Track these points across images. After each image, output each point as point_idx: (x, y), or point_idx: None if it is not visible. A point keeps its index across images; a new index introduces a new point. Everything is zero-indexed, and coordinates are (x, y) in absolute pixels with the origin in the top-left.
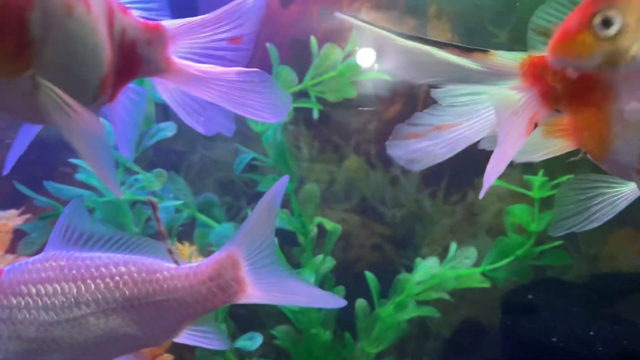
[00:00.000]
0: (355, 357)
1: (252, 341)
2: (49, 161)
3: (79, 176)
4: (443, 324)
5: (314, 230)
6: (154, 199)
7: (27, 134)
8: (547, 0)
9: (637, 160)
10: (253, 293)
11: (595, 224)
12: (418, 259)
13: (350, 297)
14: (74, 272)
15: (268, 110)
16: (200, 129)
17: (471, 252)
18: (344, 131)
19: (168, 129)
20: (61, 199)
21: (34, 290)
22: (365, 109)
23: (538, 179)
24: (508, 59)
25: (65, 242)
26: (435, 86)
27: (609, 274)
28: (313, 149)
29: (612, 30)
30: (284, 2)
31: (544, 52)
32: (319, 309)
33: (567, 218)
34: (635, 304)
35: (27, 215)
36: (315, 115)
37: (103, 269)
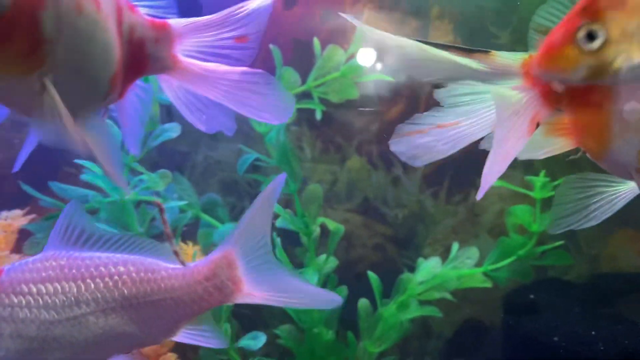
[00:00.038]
0: (358, 357)
1: (256, 340)
2: (54, 162)
3: (84, 177)
4: (445, 323)
5: (316, 230)
6: (160, 201)
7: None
8: (548, 0)
9: (636, 159)
10: (249, 292)
11: (593, 222)
12: (420, 259)
13: (352, 297)
14: (74, 271)
15: (271, 111)
16: (201, 126)
17: (473, 252)
18: (347, 132)
19: (172, 130)
20: (66, 200)
21: (34, 289)
22: (368, 109)
23: (539, 179)
24: (509, 59)
25: (64, 242)
26: (438, 86)
27: (610, 274)
28: (315, 150)
29: (596, 44)
30: (286, 4)
31: None
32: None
33: (566, 216)
34: (636, 304)
35: (32, 216)
36: (318, 116)
37: (102, 269)
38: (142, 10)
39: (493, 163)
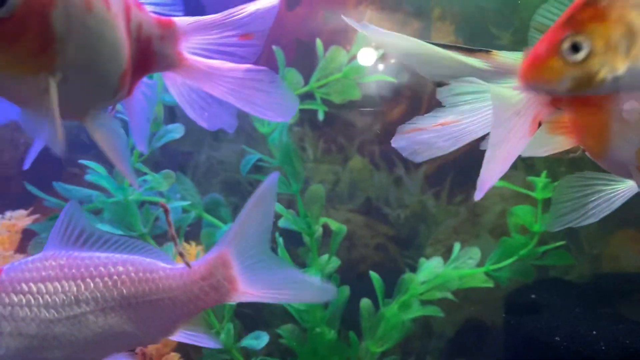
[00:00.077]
0: (360, 356)
1: (258, 340)
2: (57, 162)
3: (88, 177)
4: (447, 323)
5: (319, 230)
6: (165, 202)
7: None
8: (548, 0)
9: (635, 158)
10: (245, 291)
11: (592, 220)
12: (422, 259)
13: (354, 297)
14: (73, 271)
15: (275, 109)
16: (203, 123)
17: (475, 252)
18: (349, 132)
19: (176, 131)
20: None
21: (34, 288)
22: (370, 109)
23: (541, 180)
24: (510, 58)
25: (64, 242)
26: (441, 84)
27: (611, 274)
28: (318, 150)
29: (581, 55)
30: (289, 5)
31: None
32: (324, 308)
33: (565, 214)
34: (637, 304)
35: (36, 216)
36: (321, 116)
37: (102, 268)
38: (149, 8)
39: (494, 163)
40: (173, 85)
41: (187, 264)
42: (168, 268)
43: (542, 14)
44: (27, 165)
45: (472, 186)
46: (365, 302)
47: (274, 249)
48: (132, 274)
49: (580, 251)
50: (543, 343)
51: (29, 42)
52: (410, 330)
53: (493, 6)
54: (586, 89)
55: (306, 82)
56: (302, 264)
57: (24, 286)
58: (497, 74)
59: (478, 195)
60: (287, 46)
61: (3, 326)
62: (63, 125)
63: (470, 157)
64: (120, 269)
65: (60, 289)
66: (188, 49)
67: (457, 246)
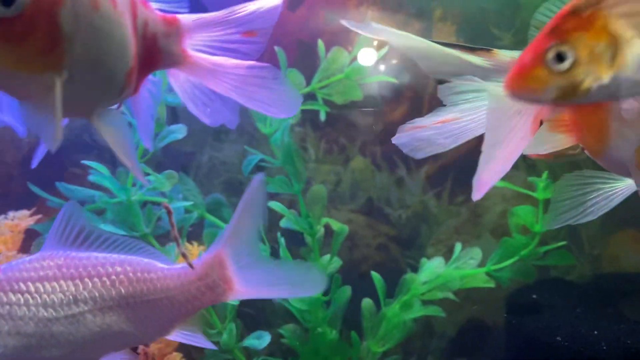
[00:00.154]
0: (362, 356)
1: (260, 340)
2: (60, 162)
3: (91, 178)
4: (448, 323)
5: (320, 230)
6: (167, 203)
7: None
8: None
9: (633, 156)
10: (240, 290)
11: (590, 217)
12: (423, 259)
13: (356, 297)
14: (71, 270)
15: (278, 105)
16: (206, 119)
17: (476, 253)
18: (350, 133)
19: (179, 131)
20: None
21: (32, 288)
22: (371, 109)
23: (542, 180)
24: (511, 57)
25: (62, 242)
26: (442, 82)
27: (612, 274)
28: (319, 150)
29: (565, 65)
30: (291, 6)
31: None
32: (326, 308)
33: (564, 212)
34: (638, 304)
35: (39, 216)
36: (322, 117)
37: (100, 268)
38: (154, 6)
39: (495, 163)
40: (176, 82)
41: (190, 265)
42: (166, 268)
43: (543, 12)
44: (34, 164)
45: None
46: (366, 302)
47: (276, 249)
48: (130, 274)
49: (581, 251)
50: (544, 343)
51: (37, 41)
52: (411, 330)
53: (494, 7)
54: (571, 98)
55: (308, 83)
56: None
57: (22, 285)
58: (498, 72)
59: (476, 196)
60: (289, 47)
61: (1, 325)
62: (63, 124)
63: (472, 157)
64: (118, 269)
65: (58, 289)
66: (192, 46)
67: (458, 246)
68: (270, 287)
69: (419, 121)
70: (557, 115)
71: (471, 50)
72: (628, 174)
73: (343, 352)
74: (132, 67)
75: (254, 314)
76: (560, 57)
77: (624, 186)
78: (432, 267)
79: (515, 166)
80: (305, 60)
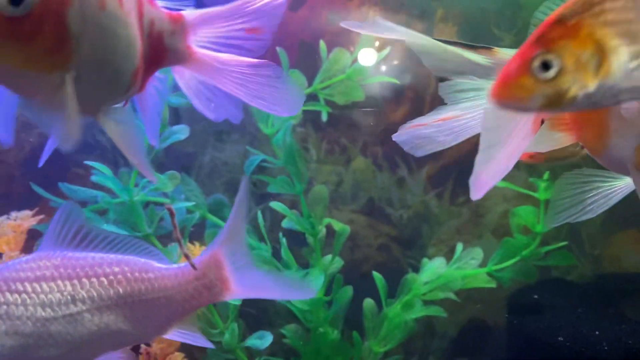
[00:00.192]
0: (363, 356)
1: (262, 340)
2: (62, 163)
3: (93, 178)
4: (449, 323)
5: (322, 231)
6: (170, 203)
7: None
8: None
9: (632, 155)
10: (237, 290)
11: (589, 216)
12: (425, 259)
13: (357, 297)
14: (69, 270)
15: (282, 104)
16: (211, 115)
17: (477, 253)
18: (352, 133)
19: (181, 132)
20: (75, 200)
21: (29, 288)
22: (373, 110)
23: (543, 181)
24: (512, 55)
25: (59, 242)
26: (443, 79)
27: (613, 274)
28: (321, 151)
29: (551, 73)
30: (293, 6)
31: None
32: (327, 308)
33: (563, 210)
34: (639, 304)
35: (42, 216)
36: (324, 117)
37: (97, 268)
38: (160, 3)
39: (497, 162)
40: (181, 78)
41: (193, 266)
42: (163, 268)
43: (543, 11)
44: (41, 163)
45: None
46: (368, 302)
47: (278, 250)
48: (128, 274)
49: (582, 251)
50: (545, 343)
51: (45, 40)
52: (413, 330)
53: (495, 8)
54: (557, 106)
55: (310, 83)
56: (305, 265)
57: (19, 285)
58: (499, 71)
59: (477, 195)
60: (291, 47)
61: None
62: (78, 123)
63: (473, 157)
64: (116, 269)
65: (55, 288)
66: (196, 42)
67: (459, 246)
68: (266, 288)
69: (420, 119)
70: (557, 114)
71: (472, 48)
72: (627, 173)
73: (345, 352)
74: (138, 66)
75: (256, 314)
76: (545, 66)
77: (623, 185)
78: (434, 267)
79: (517, 166)
80: (306, 60)
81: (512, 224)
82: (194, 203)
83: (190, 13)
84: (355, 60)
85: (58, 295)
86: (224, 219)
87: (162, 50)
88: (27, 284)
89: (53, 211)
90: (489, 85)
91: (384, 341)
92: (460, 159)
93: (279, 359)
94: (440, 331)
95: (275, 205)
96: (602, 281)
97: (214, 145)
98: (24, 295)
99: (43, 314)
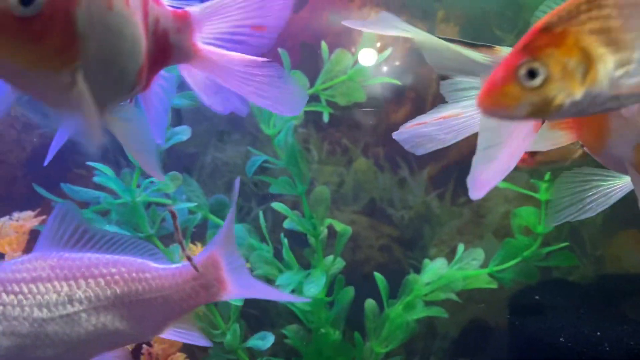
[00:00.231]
0: (365, 357)
1: (264, 341)
2: (64, 163)
3: (96, 179)
4: (451, 324)
5: (324, 231)
6: (171, 204)
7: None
8: None
9: (631, 153)
10: (233, 290)
11: (589, 214)
12: (426, 260)
13: (359, 298)
14: (65, 271)
15: (284, 103)
16: (218, 108)
17: (478, 253)
18: (353, 133)
19: (183, 133)
20: (77, 201)
21: (25, 289)
22: (374, 110)
23: (544, 181)
24: None
25: (55, 242)
26: (445, 77)
27: (615, 274)
28: (322, 152)
29: (537, 81)
30: (294, 8)
31: None
32: (329, 309)
33: (563, 209)
34: None
35: (43, 217)
36: (326, 118)
37: (94, 269)
38: (165, 1)
39: (498, 162)
40: (188, 74)
41: (196, 268)
42: (161, 268)
43: (544, 10)
44: (47, 160)
45: None
46: (369, 303)
47: (279, 250)
48: (125, 274)
49: (583, 252)
50: (547, 344)
51: (54, 40)
52: (414, 331)
53: (496, 8)
54: (544, 114)
55: (311, 85)
56: (307, 265)
57: (15, 286)
58: None
59: (478, 195)
60: (293, 49)
61: None
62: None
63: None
64: (113, 269)
65: (52, 289)
66: (201, 39)
67: (461, 247)
68: (261, 288)
69: (420, 118)
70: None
71: (474, 46)
72: (626, 171)
73: (346, 353)
74: (143, 65)
75: (257, 314)
76: (532, 74)
77: (623, 183)
78: (435, 268)
79: (517, 167)
80: (308, 62)
81: (514, 224)
82: (195, 204)
83: (196, 9)
84: (356, 62)
85: (54, 295)
86: (225, 220)
87: (167, 48)
88: (23, 285)
89: None
90: None
91: (385, 342)
92: (462, 160)
93: None
94: (442, 332)
95: (276, 206)
96: (604, 282)
97: (215, 146)
98: (20, 296)
99: (40, 314)
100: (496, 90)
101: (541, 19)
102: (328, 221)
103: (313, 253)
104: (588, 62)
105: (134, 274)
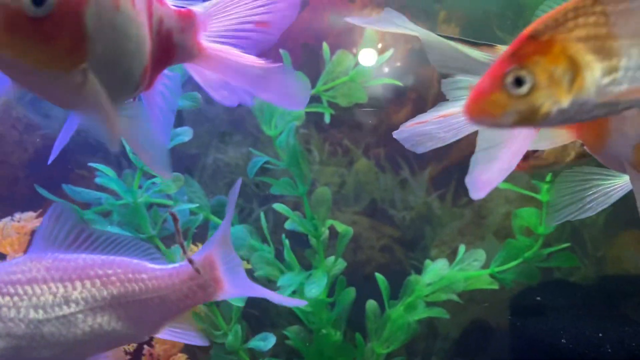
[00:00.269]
0: (366, 357)
1: (265, 342)
2: (65, 164)
3: (97, 180)
4: (452, 325)
5: (325, 232)
6: (173, 205)
7: (73, 125)
8: None
9: (631, 153)
10: (229, 290)
11: (589, 214)
12: (427, 261)
13: (360, 298)
14: (61, 272)
15: (290, 98)
16: (224, 102)
17: (480, 254)
18: (354, 134)
19: (185, 134)
20: (79, 202)
21: (21, 290)
22: (375, 111)
23: (545, 182)
24: None
25: (50, 243)
26: (446, 75)
27: (616, 275)
28: (324, 152)
29: (524, 89)
30: (301, 7)
31: None
32: (330, 310)
33: (563, 208)
34: None
35: None
36: (327, 119)
37: (90, 270)
38: (169, 0)
39: (499, 162)
40: (194, 70)
41: (197, 271)
42: (157, 268)
43: (545, 10)
44: (51, 159)
45: None
46: (371, 304)
47: (280, 251)
48: (122, 275)
49: (584, 253)
50: (548, 345)
51: (64, 40)
52: (415, 332)
53: (497, 9)
54: (531, 122)
55: (313, 85)
56: (308, 266)
57: (10, 288)
58: None
59: (479, 195)
60: (294, 49)
61: None
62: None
63: None
64: (109, 270)
65: (47, 290)
66: (206, 37)
67: (462, 248)
68: (258, 287)
69: (420, 116)
70: None
71: (475, 45)
72: (625, 170)
73: (347, 354)
74: (147, 64)
75: (259, 315)
76: (518, 82)
77: (623, 183)
78: (436, 269)
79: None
80: (309, 63)
81: (515, 225)
82: (197, 205)
83: (200, 8)
84: (357, 62)
85: (50, 297)
86: None
87: (171, 48)
88: (18, 287)
89: None
90: None
91: (386, 342)
92: (463, 161)
93: None
94: (443, 332)
95: (278, 206)
96: (605, 283)
97: (217, 147)
98: (16, 298)
99: (36, 315)
100: (483, 98)
101: (528, 26)
102: (329, 222)
103: (314, 254)
104: (575, 69)
105: (130, 275)
